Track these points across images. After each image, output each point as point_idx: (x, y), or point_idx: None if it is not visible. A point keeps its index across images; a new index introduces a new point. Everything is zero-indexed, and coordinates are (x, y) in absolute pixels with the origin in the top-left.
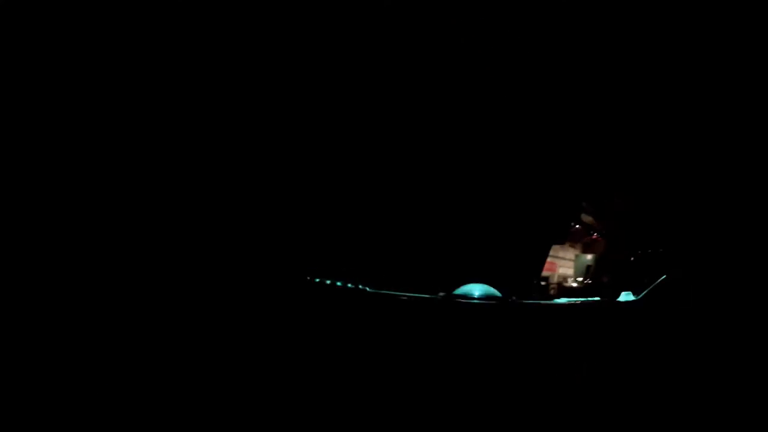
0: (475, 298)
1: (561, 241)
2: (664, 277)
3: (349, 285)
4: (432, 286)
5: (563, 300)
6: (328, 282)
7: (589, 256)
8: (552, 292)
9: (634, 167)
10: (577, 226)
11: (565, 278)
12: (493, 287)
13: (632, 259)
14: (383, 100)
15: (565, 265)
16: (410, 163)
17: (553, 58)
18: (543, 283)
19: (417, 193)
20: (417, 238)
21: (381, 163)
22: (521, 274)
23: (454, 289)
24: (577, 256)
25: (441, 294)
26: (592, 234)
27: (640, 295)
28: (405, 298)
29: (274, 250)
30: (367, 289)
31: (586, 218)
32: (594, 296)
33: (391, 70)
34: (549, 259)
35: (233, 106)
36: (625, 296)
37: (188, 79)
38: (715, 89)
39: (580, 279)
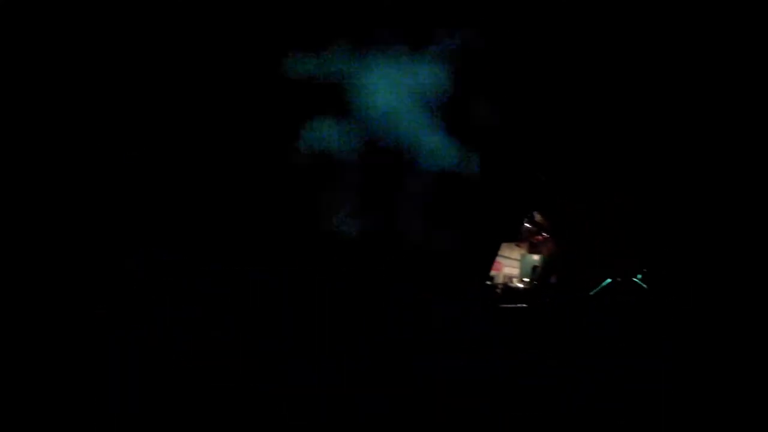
0: None
1: (511, 239)
2: (610, 280)
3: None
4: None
5: None
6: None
7: (536, 257)
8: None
9: (596, 169)
10: (528, 225)
11: (510, 278)
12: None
13: (581, 261)
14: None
15: (510, 264)
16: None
17: (524, 68)
18: (489, 282)
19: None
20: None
21: (347, 163)
22: (471, 273)
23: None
24: (523, 255)
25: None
26: (541, 234)
27: (591, 294)
28: None
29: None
30: None
31: (538, 217)
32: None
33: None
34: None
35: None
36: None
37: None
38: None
39: (526, 279)
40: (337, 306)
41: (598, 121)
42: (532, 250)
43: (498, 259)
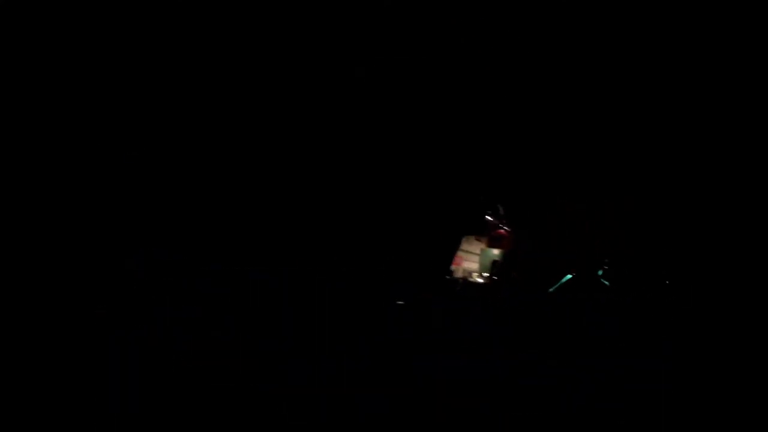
0: None
1: (474, 233)
2: (570, 276)
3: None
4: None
5: None
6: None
7: (497, 251)
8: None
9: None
10: (489, 218)
11: (470, 273)
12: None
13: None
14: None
15: (470, 259)
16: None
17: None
18: (448, 277)
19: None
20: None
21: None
22: (432, 268)
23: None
24: (483, 250)
25: None
26: (503, 227)
27: (550, 290)
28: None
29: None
30: None
31: (500, 210)
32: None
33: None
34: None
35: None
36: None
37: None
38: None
39: (486, 274)
40: (337, 306)
41: (597, 121)
42: (493, 244)
43: (458, 253)
